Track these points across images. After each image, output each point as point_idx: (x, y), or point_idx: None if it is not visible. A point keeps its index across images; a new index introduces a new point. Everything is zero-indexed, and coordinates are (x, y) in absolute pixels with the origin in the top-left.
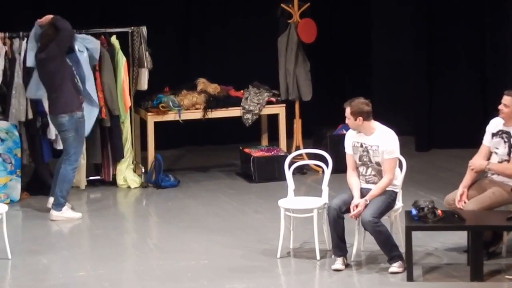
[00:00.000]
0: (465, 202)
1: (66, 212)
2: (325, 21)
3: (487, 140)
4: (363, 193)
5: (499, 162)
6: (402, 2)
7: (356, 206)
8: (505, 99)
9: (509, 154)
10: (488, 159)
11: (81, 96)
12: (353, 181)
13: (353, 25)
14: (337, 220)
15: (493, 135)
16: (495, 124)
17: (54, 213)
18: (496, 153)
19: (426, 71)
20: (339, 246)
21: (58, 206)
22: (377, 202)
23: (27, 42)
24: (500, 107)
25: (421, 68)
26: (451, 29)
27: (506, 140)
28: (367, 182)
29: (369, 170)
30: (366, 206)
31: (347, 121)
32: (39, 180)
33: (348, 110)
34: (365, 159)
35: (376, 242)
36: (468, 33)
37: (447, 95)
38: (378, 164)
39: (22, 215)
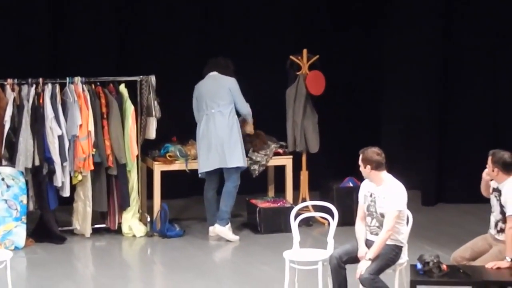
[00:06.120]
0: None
1: (229, 231)
2: (334, 73)
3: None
4: (367, 244)
5: (495, 224)
6: (414, 55)
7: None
8: (489, 159)
9: (501, 214)
10: None
11: None
12: (360, 231)
13: (363, 78)
14: (338, 269)
15: (493, 190)
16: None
17: (218, 228)
18: (492, 212)
19: (436, 124)
20: None
21: (223, 221)
22: (375, 259)
23: (35, 88)
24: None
25: (431, 120)
26: (463, 83)
27: (497, 198)
28: (371, 233)
29: (374, 221)
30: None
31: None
32: (44, 227)
33: (360, 157)
34: (371, 209)
35: None
36: (480, 89)
37: (456, 150)
38: (382, 215)
39: (27, 262)
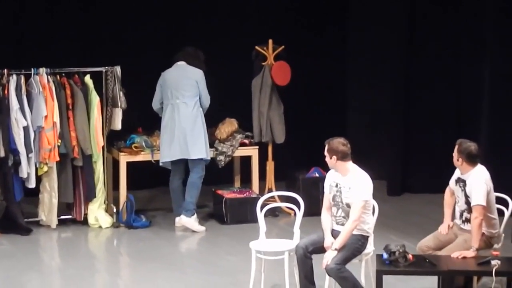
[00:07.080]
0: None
1: (195, 222)
2: (300, 63)
3: (451, 182)
4: (333, 234)
5: (460, 214)
6: (379, 46)
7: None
8: (455, 148)
9: (467, 203)
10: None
11: None
12: (325, 221)
13: (329, 68)
14: (304, 259)
15: (456, 181)
16: (457, 171)
17: (184, 219)
18: (457, 202)
19: (401, 115)
20: (307, 287)
21: (188, 212)
22: (341, 249)
23: (0, 79)
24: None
25: (396, 111)
26: (429, 75)
27: (462, 189)
28: (337, 223)
29: (339, 211)
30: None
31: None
32: (10, 218)
33: (325, 148)
34: (337, 199)
35: None
36: (444, 81)
37: (421, 140)
38: (348, 205)
39: None
